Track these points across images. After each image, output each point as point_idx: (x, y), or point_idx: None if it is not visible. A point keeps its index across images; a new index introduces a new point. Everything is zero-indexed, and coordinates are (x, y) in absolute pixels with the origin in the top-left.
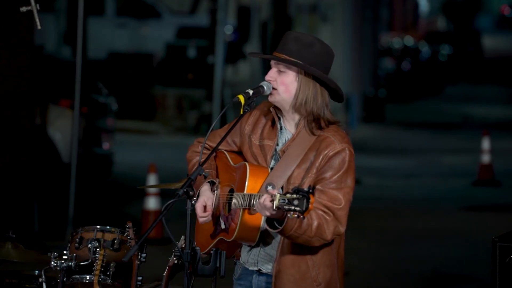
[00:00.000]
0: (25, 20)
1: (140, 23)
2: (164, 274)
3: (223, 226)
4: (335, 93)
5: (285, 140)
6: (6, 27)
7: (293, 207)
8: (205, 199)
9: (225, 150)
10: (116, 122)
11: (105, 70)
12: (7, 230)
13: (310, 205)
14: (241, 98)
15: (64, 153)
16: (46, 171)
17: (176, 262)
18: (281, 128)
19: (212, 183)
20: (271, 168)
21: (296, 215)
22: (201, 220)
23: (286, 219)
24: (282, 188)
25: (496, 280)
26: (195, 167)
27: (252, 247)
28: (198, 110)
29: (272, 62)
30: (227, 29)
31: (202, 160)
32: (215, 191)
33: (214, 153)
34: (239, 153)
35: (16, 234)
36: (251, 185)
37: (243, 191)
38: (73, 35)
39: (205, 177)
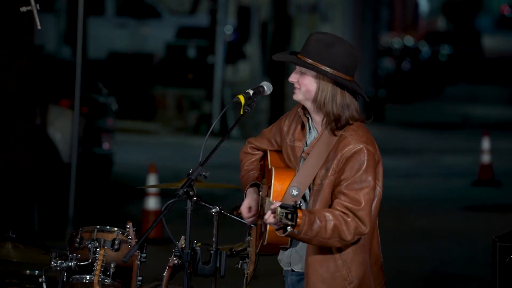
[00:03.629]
0: (25, 20)
1: (140, 23)
2: (164, 274)
3: (262, 230)
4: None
5: (313, 140)
6: (6, 27)
7: (287, 221)
8: (249, 201)
9: (270, 150)
10: (116, 122)
11: (105, 70)
12: (7, 230)
13: (298, 220)
14: (241, 98)
15: (64, 153)
16: (46, 171)
17: (176, 262)
18: (309, 129)
19: (257, 185)
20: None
21: (291, 229)
22: (248, 221)
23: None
24: (309, 188)
25: (496, 280)
26: (244, 168)
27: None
28: (198, 110)
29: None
30: (227, 29)
31: (253, 165)
32: (260, 192)
33: (260, 155)
34: (281, 152)
35: (16, 234)
36: (276, 189)
37: (270, 196)
38: (73, 35)
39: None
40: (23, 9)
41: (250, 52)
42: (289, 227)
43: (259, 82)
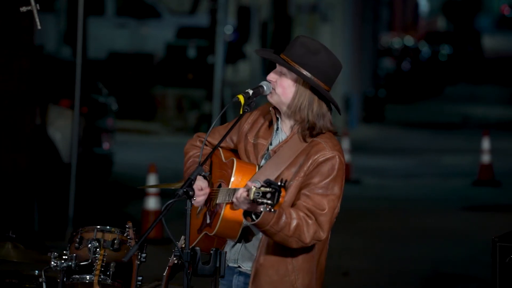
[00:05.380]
0: (25, 20)
1: (140, 23)
2: (164, 274)
3: (208, 221)
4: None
5: (279, 141)
6: (6, 27)
7: (265, 200)
8: (201, 184)
9: (221, 147)
10: (116, 122)
11: (105, 70)
12: (7, 230)
13: (280, 199)
14: (241, 98)
15: (64, 153)
16: (46, 171)
17: (176, 262)
18: (277, 129)
19: (204, 177)
20: (260, 167)
21: (268, 209)
22: (199, 199)
23: (262, 213)
24: None
25: (496, 280)
26: (190, 160)
27: (235, 243)
28: (198, 110)
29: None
30: (227, 29)
31: (202, 159)
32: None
33: (209, 151)
34: (235, 151)
35: (16, 234)
36: (236, 181)
37: (228, 186)
38: (73, 35)
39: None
40: (23, 9)
41: (250, 52)
42: (264, 207)
43: (259, 82)
